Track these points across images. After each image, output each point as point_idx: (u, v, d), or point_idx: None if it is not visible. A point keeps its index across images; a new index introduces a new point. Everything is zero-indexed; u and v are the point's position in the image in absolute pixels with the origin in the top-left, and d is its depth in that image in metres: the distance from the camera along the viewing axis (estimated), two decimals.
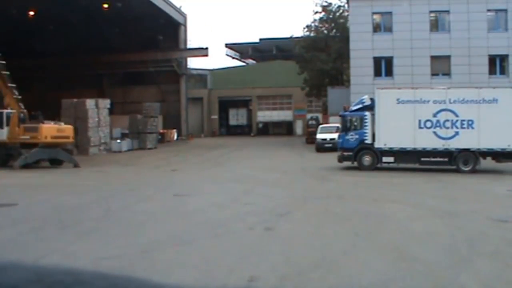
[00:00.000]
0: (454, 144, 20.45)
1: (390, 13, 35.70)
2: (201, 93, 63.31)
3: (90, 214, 11.55)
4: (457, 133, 20.46)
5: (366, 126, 21.59)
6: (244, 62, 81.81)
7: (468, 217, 10.94)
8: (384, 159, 21.22)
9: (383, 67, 35.88)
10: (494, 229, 9.75)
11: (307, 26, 48.19)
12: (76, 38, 42.50)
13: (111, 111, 36.82)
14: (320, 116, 49.57)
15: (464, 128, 20.39)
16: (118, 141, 31.73)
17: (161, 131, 36.60)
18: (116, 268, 6.79)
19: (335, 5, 46.37)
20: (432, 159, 20.81)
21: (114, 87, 50.28)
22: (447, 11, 35.09)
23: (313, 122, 45.04)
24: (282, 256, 7.77)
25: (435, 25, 35.88)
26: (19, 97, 24.45)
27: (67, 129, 24.87)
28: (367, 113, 21.66)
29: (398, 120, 20.82)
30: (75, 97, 38.35)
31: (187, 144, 43.74)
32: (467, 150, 20.40)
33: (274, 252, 8.05)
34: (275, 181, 18.41)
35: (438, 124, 20.57)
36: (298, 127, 60.81)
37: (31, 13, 40.39)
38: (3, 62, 24.73)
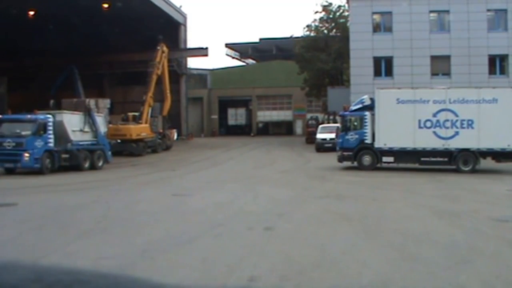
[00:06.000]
0: (454, 144, 20.45)
1: (390, 13, 35.70)
2: (201, 93, 63.28)
3: (90, 214, 11.54)
4: (457, 133, 20.46)
5: (366, 126, 21.59)
6: (244, 62, 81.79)
7: (468, 217, 10.93)
8: (384, 159, 21.22)
9: (383, 67, 35.88)
10: (494, 229, 9.74)
11: (307, 26, 48.23)
12: (76, 38, 42.43)
13: (111, 111, 36.83)
14: (321, 116, 49.50)
15: (464, 128, 20.38)
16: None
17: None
18: (116, 268, 6.79)
19: (335, 5, 46.43)
20: (432, 159, 20.81)
21: (114, 87, 50.24)
22: (447, 11, 35.09)
23: (313, 122, 45.04)
24: (282, 256, 7.77)
25: (435, 25, 35.87)
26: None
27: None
28: (367, 113, 21.66)
29: (398, 120, 20.82)
30: (75, 97, 38.37)
31: (187, 144, 43.74)
32: (467, 150, 20.39)
33: (274, 252, 8.05)
34: (274, 180, 18.40)
35: (438, 124, 20.56)
36: (298, 127, 60.82)
37: (31, 13, 40.34)
38: None
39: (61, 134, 21.91)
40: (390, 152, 21.10)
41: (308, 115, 53.95)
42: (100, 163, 23.68)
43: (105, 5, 39.45)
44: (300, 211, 11.97)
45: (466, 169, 20.22)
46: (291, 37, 55.34)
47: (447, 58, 34.83)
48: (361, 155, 21.59)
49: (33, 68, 47.44)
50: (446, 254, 7.74)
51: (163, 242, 8.72)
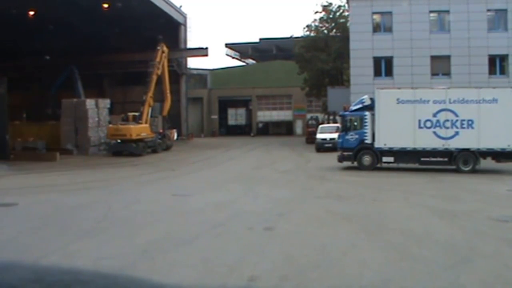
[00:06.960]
0: (454, 144, 20.45)
1: (390, 13, 35.68)
2: (201, 93, 63.24)
3: (90, 214, 11.55)
4: (457, 133, 20.45)
5: (366, 126, 21.58)
6: (244, 62, 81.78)
7: (468, 217, 10.94)
8: (384, 159, 21.22)
9: (383, 67, 35.86)
10: (494, 229, 9.75)
11: (307, 26, 48.17)
12: (76, 38, 42.40)
13: (111, 111, 36.82)
14: (321, 116, 49.49)
15: (464, 128, 20.37)
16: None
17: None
18: (116, 268, 6.79)
19: (335, 5, 46.42)
20: (432, 159, 20.80)
21: (114, 87, 50.25)
22: (447, 11, 35.07)
23: (313, 122, 45.03)
24: (282, 256, 7.77)
25: (435, 25, 35.85)
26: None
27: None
28: (367, 113, 21.66)
29: (398, 120, 20.81)
30: (75, 97, 38.36)
31: (187, 144, 43.74)
32: (467, 150, 20.39)
33: (274, 252, 8.05)
34: (274, 180, 18.41)
35: (438, 124, 20.56)
36: (298, 127, 60.82)
37: (31, 13, 40.31)
38: None
39: None
40: (390, 152, 21.10)
41: (308, 115, 53.95)
42: None
43: (105, 5, 39.40)
44: (300, 211, 11.97)
45: (466, 169, 20.22)
46: (291, 37, 55.36)
47: (447, 58, 34.81)
48: (361, 155, 21.58)
49: (33, 68, 47.41)
50: (446, 254, 7.74)
51: (163, 242, 8.72)
